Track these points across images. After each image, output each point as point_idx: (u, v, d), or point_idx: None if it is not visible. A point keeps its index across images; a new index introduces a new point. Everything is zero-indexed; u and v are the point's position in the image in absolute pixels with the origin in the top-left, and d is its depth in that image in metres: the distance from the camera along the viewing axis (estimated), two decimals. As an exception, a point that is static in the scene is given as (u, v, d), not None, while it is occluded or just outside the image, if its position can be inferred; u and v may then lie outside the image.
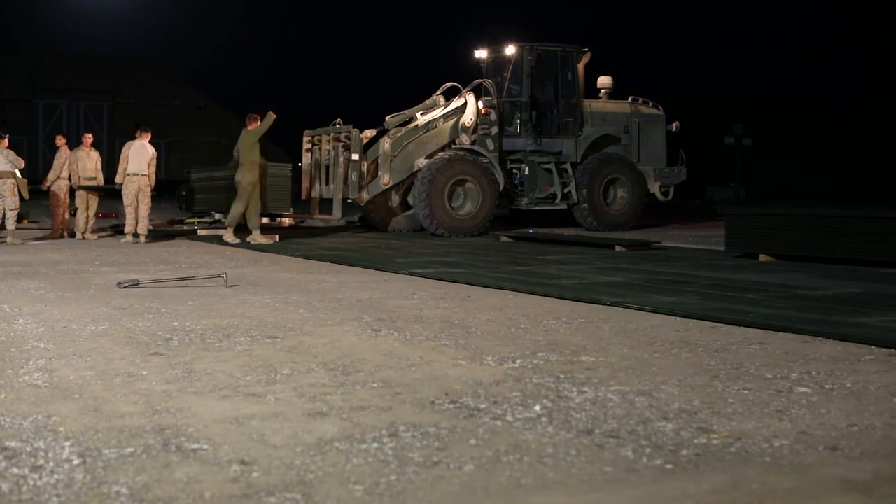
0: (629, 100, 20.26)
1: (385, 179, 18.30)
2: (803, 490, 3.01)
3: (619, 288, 8.64)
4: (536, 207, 19.30)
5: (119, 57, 64.32)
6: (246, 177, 15.12)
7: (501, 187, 18.64)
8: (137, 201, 15.65)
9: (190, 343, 5.70)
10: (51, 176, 17.03)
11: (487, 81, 19.15)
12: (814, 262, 11.37)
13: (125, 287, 8.53)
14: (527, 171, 19.16)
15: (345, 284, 9.06)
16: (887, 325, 6.39)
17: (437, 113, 18.82)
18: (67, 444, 3.48)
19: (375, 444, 3.49)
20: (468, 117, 18.69)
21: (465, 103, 18.75)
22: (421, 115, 18.93)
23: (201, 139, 50.12)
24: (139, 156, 15.84)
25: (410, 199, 18.80)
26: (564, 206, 19.43)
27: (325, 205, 18.58)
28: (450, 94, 19.11)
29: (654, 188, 20.14)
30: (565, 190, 19.30)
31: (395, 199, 19.47)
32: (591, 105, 19.82)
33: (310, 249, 13.65)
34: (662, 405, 4.13)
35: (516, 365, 5.03)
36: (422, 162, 18.27)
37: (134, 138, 16.21)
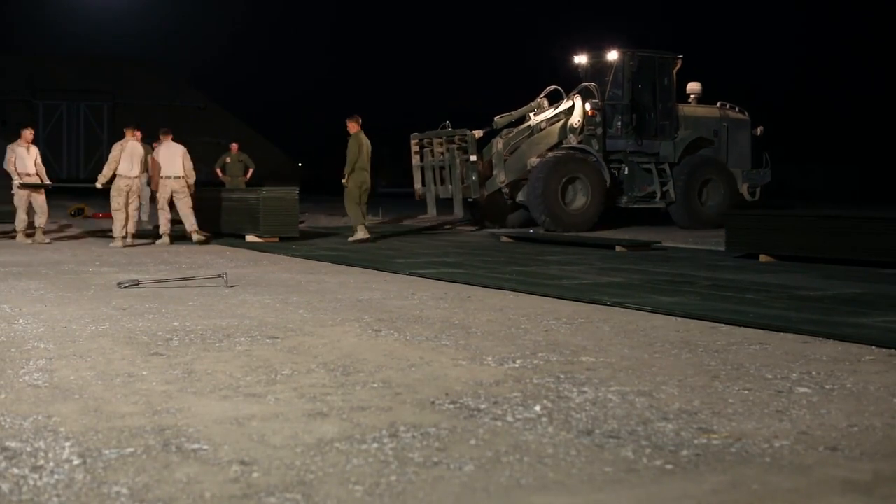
0: (717, 104, 21.20)
1: (501, 178, 19.23)
2: (803, 490, 3.01)
3: (619, 288, 8.64)
4: (635, 206, 20.22)
5: (119, 57, 64.32)
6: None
7: (608, 185, 19.50)
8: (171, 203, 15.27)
9: (190, 343, 5.70)
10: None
11: (592, 85, 20.06)
12: (814, 262, 11.37)
13: (125, 287, 8.53)
14: (626, 171, 20.11)
15: (345, 285, 9.06)
16: (887, 326, 6.39)
17: (548, 114, 19.81)
18: (68, 444, 3.48)
19: (375, 445, 3.49)
20: (576, 118, 19.62)
21: (573, 105, 19.70)
22: (534, 115, 20.01)
23: (201, 140, 50.14)
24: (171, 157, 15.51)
25: (521, 197, 19.65)
26: (662, 205, 20.33)
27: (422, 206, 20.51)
28: (552, 97, 20.13)
29: (743, 189, 20.97)
30: (664, 189, 20.18)
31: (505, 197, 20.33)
32: (683, 109, 20.77)
33: (310, 250, 13.65)
34: (663, 405, 4.13)
35: (516, 365, 5.04)
36: (534, 161, 19.21)
37: (156, 141, 15.98)
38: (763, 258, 11.98)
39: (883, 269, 10.54)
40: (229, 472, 3.16)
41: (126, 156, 15.09)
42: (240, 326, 6.37)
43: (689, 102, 21.13)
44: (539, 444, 3.52)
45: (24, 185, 15.59)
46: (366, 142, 15.41)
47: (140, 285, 8.67)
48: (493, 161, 19.27)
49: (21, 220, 15.54)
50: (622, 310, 7.26)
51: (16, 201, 15.57)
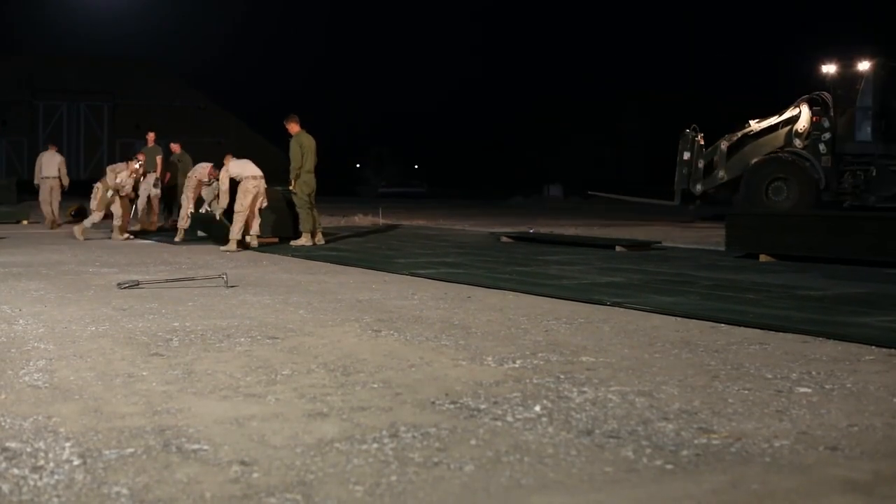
0: None
1: (720, 174, 22.71)
2: (803, 490, 3.01)
3: (619, 288, 8.64)
4: (883, 205, 20.93)
5: (119, 58, 64.31)
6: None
7: (823, 186, 21.55)
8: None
9: (190, 344, 5.70)
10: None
11: (824, 94, 22.04)
12: (814, 262, 11.37)
13: (125, 288, 8.53)
14: (874, 173, 21.52)
15: (345, 285, 9.06)
16: (888, 325, 6.39)
17: (774, 120, 22.50)
18: (68, 444, 3.48)
19: (376, 445, 3.49)
20: (801, 124, 21.97)
21: (800, 112, 22.03)
22: (756, 122, 22.85)
23: (201, 140, 50.09)
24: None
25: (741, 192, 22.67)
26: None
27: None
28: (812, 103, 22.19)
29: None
30: None
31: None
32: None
33: (310, 250, 13.65)
34: (663, 405, 4.13)
35: (516, 365, 5.04)
36: (753, 161, 22.20)
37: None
38: (763, 258, 11.98)
39: (884, 268, 10.54)
40: (229, 472, 3.16)
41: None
42: (240, 327, 6.37)
43: None
44: (539, 444, 3.52)
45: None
46: (308, 142, 14.84)
47: (140, 286, 8.67)
48: (716, 159, 22.68)
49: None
50: (622, 310, 7.26)
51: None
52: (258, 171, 14.00)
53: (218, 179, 14.43)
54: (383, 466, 3.23)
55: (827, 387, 4.52)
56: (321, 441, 3.54)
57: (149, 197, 18.08)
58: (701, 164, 23.10)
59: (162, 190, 18.03)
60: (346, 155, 76.52)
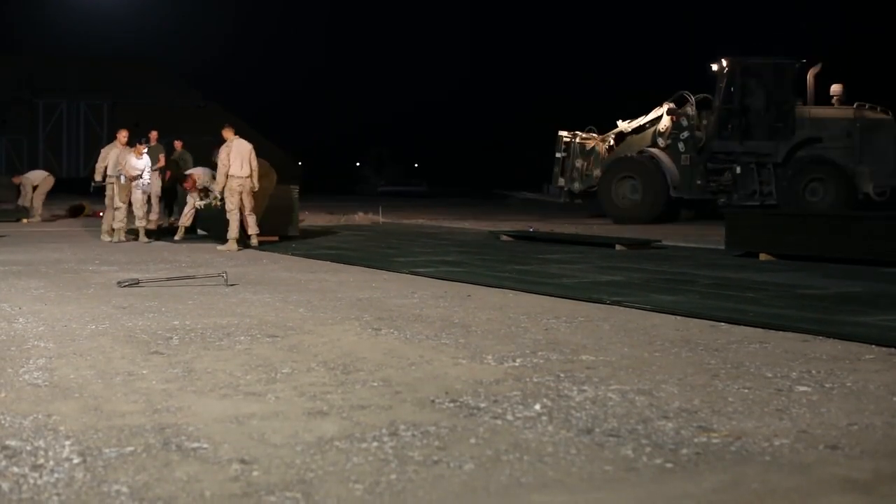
0: (855, 105, 22.04)
1: (596, 173, 23.49)
2: (803, 489, 3.01)
3: (619, 287, 8.64)
4: (745, 203, 21.78)
5: (119, 57, 64.31)
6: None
7: (671, 184, 22.22)
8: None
9: (190, 342, 5.70)
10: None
11: (687, 92, 22.73)
12: (814, 261, 11.37)
13: (125, 286, 8.53)
14: (738, 171, 22.18)
15: (345, 283, 9.06)
16: (887, 325, 6.39)
17: (642, 120, 23.22)
18: (68, 443, 3.48)
19: (375, 443, 3.49)
20: (663, 124, 22.70)
21: (664, 113, 22.82)
22: (626, 123, 23.63)
23: (201, 139, 50.15)
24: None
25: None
26: (758, 203, 21.69)
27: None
28: (680, 101, 22.93)
29: (868, 188, 21.57)
30: (765, 188, 21.98)
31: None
32: (810, 111, 21.99)
33: (310, 248, 13.65)
34: (662, 404, 4.13)
35: (516, 364, 5.04)
36: None
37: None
38: (763, 257, 11.98)
39: (883, 267, 10.54)
40: (229, 470, 3.16)
41: (235, 155, 13.92)
42: (240, 325, 6.37)
43: (832, 104, 22.15)
44: (539, 442, 3.52)
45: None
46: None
47: (140, 284, 8.67)
48: (593, 159, 23.62)
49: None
50: (622, 308, 7.26)
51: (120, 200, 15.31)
52: (245, 171, 13.73)
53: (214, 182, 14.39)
54: (383, 465, 3.23)
55: (827, 386, 4.52)
56: (321, 439, 3.54)
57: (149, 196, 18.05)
58: (579, 164, 23.95)
59: (162, 189, 17.98)
60: (347, 154, 76.52)
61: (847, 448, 3.46)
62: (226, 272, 8.92)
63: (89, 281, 9.19)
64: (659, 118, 22.81)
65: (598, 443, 3.52)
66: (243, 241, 13.60)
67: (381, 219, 23.07)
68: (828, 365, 5.03)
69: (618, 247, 13.77)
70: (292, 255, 12.60)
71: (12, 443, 3.49)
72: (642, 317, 6.83)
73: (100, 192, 16.02)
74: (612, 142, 23.76)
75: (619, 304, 7.46)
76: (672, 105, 22.74)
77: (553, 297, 7.96)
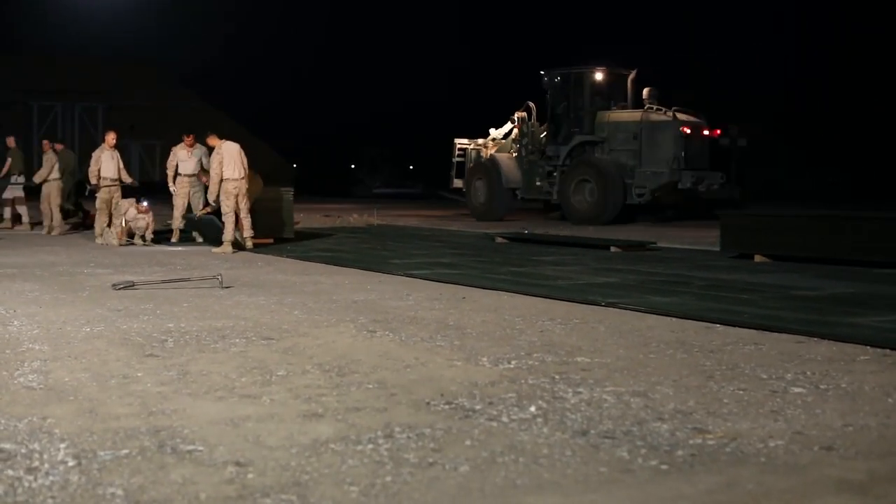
0: (643, 108, 22.62)
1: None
2: (798, 490, 3.01)
3: (614, 289, 8.65)
4: (534, 197, 24.65)
5: (114, 59, 64.25)
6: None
7: (507, 185, 24.30)
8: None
9: (185, 344, 5.69)
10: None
11: (531, 103, 24.42)
12: (808, 262, 11.39)
13: (120, 289, 8.52)
14: (555, 174, 24.00)
15: (340, 286, 9.06)
16: (882, 326, 6.40)
17: (507, 127, 25.36)
18: (62, 445, 3.48)
19: (371, 446, 3.49)
20: (515, 131, 24.90)
21: (517, 120, 24.78)
22: (495, 130, 25.86)
23: (195, 141, 50.16)
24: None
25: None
26: (548, 199, 24.39)
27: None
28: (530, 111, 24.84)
29: (643, 188, 22.36)
30: (554, 189, 23.76)
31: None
32: (609, 116, 23.06)
33: (305, 251, 13.64)
34: (658, 406, 4.14)
35: (511, 366, 5.04)
36: None
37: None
38: (758, 258, 11.99)
39: (877, 268, 10.56)
40: (224, 473, 3.16)
41: (227, 160, 13.74)
42: (235, 327, 6.37)
43: (645, 108, 22.90)
44: (534, 444, 3.52)
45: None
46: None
47: (135, 287, 8.66)
48: (466, 163, 26.16)
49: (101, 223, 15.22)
50: (617, 310, 7.26)
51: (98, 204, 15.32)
52: (239, 173, 13.58)
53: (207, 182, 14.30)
54: (378, 467, 3.23)
55: (822, 387, 4.53)
56: (316, 442, 3.54)
57: None
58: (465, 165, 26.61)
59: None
60: (342, 155, 76.44)
61: (842, 449, 3.47)
62: (221, 275, 8.91)
63: (84, 284, 9.17)
64: (513, 126, 25.18)
65: (594, 444, 3.52)
66: (237, 242, 13.58)
67: (376, 221, 23.06)
68: (822, 366, 5.04)
69: (612, 248, 13.78)
70: (287, 257, 12.59)
71: (7, 446, 3.48)
72: (637, 318, 6.84)
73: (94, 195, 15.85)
74: (491, 147, 25.86)
75: (614, 305, 7.47)
76: (521, 114, 24.61)
77: (548, 299, 7.96)
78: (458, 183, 26.65)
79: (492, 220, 23.45)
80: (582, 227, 20.51)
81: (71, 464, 3.26)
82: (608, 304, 7.52)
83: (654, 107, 22.42)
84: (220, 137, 13.90)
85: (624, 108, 23.26)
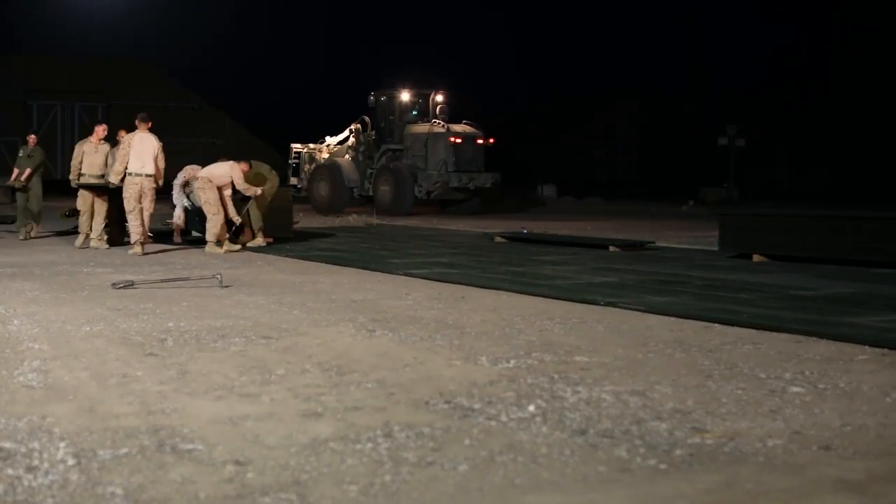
0: (431, 122, 28.31)
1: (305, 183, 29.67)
2: (797, 489, 3.02)
3: (613, 288, 8.66)
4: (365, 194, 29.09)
5: (113, 58, 64.22)
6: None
7: (353, 186, 28.73)
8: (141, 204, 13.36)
9: (185, 344, 5.70)
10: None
11: (366, 116, 28.99)
12: (807, 262, 11.39)
13: (120, 288, 8.52)
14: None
15: (339, 285, 9.06)
16: (880, 325, 6.41)
17: (344, 134, 29.36)
18: (62, 444, 3.49)
19: (370, 445, 3.49)
20: (351, 139, 29.19)
21: (353, 130, 29.18)
22: (333, 138, 29.70)
23: (196, 140, 50.11)
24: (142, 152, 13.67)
25: None
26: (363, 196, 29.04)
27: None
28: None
29: (428, 187, 27.54)
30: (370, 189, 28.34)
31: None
32: (411, 129, 28.40)
33: (304, 250, 13.65)
34: (656, 405, 4.14)
35: (510, 365, 5.04)
36: None
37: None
38: (756, 258, 11.99)
39: (876, 268, 10.56)
40: (224, 472, 3.16)
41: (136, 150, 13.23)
42: (234, 327, 6.37)
43: (434, 122, 28.31)
44: (533, 443, 3.53)
45: (83, 186, 14.29)
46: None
47: (134, 286, 8.66)
48: (310, 166, 29.80)
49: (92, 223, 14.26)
50: (616, 310, 7.27)
51: (79, 204, 14.42)
52: (149, 170, 12.84)
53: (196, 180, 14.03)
54: (377, 466, 3.24)
55: (820, 386, 4.54)
56: (315, 441, 3.55)
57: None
58: (307, 168, 29.85)
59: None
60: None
61: (840, 449, 3.48)
62: (220, 274, 8.92)
63: (84, 283, 9.18)
64: (349, 135, 29.38)
65: (592, 444, 3.53)
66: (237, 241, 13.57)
67: (375, 220, 23.07)
68: (821, 366, 5.05)
69: (611, 248, 13.78)
70: (286, 256, 12.59)
71: (7, 444, 3.49)
72: (636, 318, 6.84)
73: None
74: (326, 151, 29.67)
75: (613, 305, 7.47)
76: (357, 125, 28.97)
77: (547, 299, 7.96)
78: (294, 181, 29.77)
79: (333, 213, 27.27)
80: (582, 227, 20.56)
81: (70, 463, 3.26)
82: (607, 304, 7.52)
83: (439, 121, 28.05)
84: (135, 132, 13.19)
85: (425, 122, 28.54)
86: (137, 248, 12.74)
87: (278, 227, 15.37)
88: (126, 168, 12.91)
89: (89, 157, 14.52)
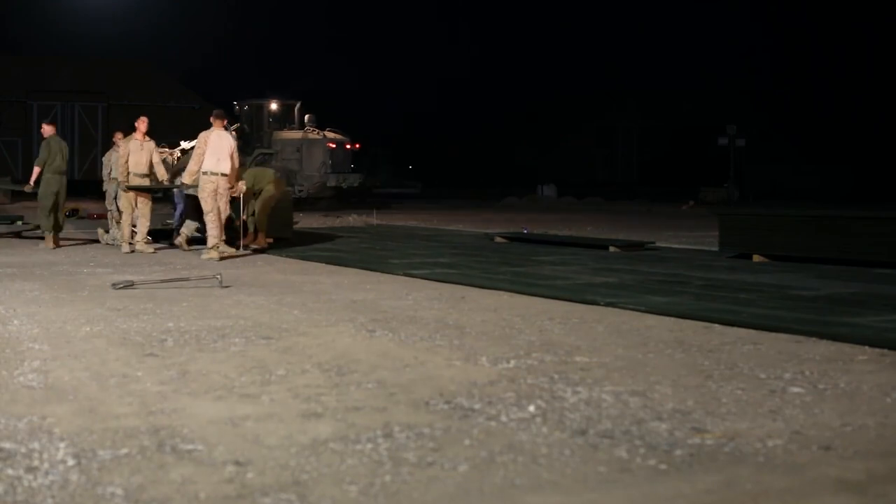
0: (304, 129, 32.16)
1: (167, 177, 30.49)
2: (797, 490, 3.02)
3: (613, 288, 8.66)
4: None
5: (113, 58, 64.22)
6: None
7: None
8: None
9: (185, 344, 5.70)
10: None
11: (238, 124, 30.57)
12: (807, 262, 11.39)
13: (120, 288, 8.53)
14: None
15: (339, 285, 9.07)
16: (880, 325, 6.41)
17: (195, 142, 30.25)
18: (62, 445, 3.49)
19: (370, 445, 3.49)
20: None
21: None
22: (187, 143, 31.91)
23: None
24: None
25: None
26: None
27: None
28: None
29: (303, 188, 30.88)
30: None
31: None
32: (280, 135, 31.94)
33: (304, 250, 13.65)
34: (656, 405, 4.14)
35: (511, 365, 5.04)
36: None
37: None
38: (756, 258, 12.00)
39: (876, 268, 10.56)
40: (224, 472, 3.16)
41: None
42: (234, 327, 6.37)
43: (306, 130, 32.48)
44: (533, 444, 3.53)
45: (132, 188, 13.67)
46: (56, 146, 14.30)
47: (134, 286, 8.66)
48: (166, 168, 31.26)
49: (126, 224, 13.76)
50: (616, 310, 7.27)
51: (122, 205, 13.89)
52: (224, 168, 12.46)
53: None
54: (377, 466, 3.24)
55: (820, 387, 4.54)
56: (315, 441, 3.55)
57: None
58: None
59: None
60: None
61: (840, 449, 3.48)
62: (220, 274, 8.92)
63: (84, 283, 9.18)
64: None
65: (592, 444, 3.53)
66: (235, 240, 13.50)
67: (375, 220, 23.07)
68: (821, 366, 5.05)
69: (612, 248, 13.79)
70: (286, 256, 12.59)
71: (7, 445, 3.49)
72: (636, 318, 6.84)
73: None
74: (179, 154, 30.99)
75: (613, 305, 7.47)
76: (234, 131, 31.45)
77: (547, 299, 7.96)
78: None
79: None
80: (582, 228, 20.59)
81: (71, 463, 3.26)
82: (607, 304, 7.52)
83: (312, 129, 31.87)
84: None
85: (292, 129, 32.18)
86: (213, 253, 12.04)
87: (278, 227, 15.38)
88: (201, 167, 12.34)
89: (135, 154, 13.86)
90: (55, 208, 14.33)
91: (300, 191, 30.75)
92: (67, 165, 14.95)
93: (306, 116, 32.92)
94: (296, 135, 32.51)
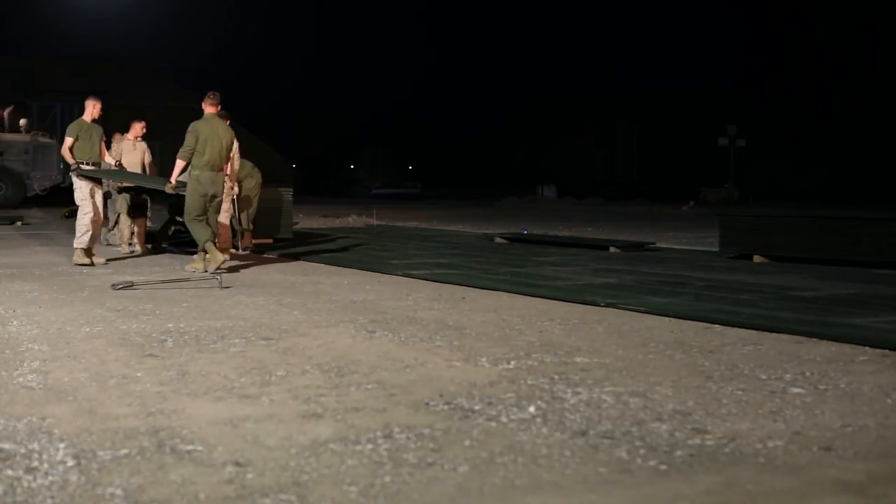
0: (32, 133, 33.29)
1: None
2: (797, 490, 3.02)
3: (613, 289, 8.65)
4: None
5: (112, 58, 64.23)
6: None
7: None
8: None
9: (184, 345, 5.69)
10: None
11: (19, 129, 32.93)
12: (807, 263, 11.39)
13: (119, 289, 8.52)
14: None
15: (339, 286, 9.06)
16: (881, 326, 6.41)
17: None
18: (62, 445, 3.48)
19: (370, 446, 3.49)
20: None
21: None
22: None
23: (195, 140, 50.10)
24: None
25: None
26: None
27: None
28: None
29: (35, 187, 32.07)
30: None
31: None
32: (4, 137, 32.70)
33: (304, 251, 13.64)
34: (657, 406, 4.14)
35: (511, 366, 5.04)
36: None
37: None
38: (756, 259, 12.00)
39: (876, 269, 10.56)
40: (224, 473, 3.16)
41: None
42: (234, 328, 6.37)
43: (34, 133, 33.49)
44: (533, 444, 3.52)
45: (126, 189, 13.40)
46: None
47: (134, 287, 8.66)
48: None
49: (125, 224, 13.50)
50: (616, 310, 7.27)
51: (119, 206, 13.64)
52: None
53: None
54: (377, 467, 3.23)
55: (821, 387, 4.54)
56: (315, 442, 3.54)
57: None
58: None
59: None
60: (340, 156, 76.51)
61: (841, 449, 3.47)
62: (220, 275, 8.91)
63: (83, 284, 9.17)
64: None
65: (593, 445, 3.52)
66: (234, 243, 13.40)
67: (375, 221, 23.08)
68: (821, 367, 5.04)
69: (612, 249, 13.79)
70: (287, 257, 12.58)
71: (6, 445, 3.48)
72: (636, 319, 6.84)
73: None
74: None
75: (613, 306, 7.47)
76: None
77: (547, 300, 7.96)
78: None
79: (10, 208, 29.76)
80: (582, 228, 20.58)
81: (70, 464, 3.26)
82: (607, 305, 7.52)
83: (40, 133, 33.50)
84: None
85: (14, 132, 32.93)
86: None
87: (279, 227, 15.36)
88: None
89: (128, 155, 13.72)
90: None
91: (38, 188, 32.98)
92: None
93: (22, 121, 34.70)
94: (23, 138, 34.08)
